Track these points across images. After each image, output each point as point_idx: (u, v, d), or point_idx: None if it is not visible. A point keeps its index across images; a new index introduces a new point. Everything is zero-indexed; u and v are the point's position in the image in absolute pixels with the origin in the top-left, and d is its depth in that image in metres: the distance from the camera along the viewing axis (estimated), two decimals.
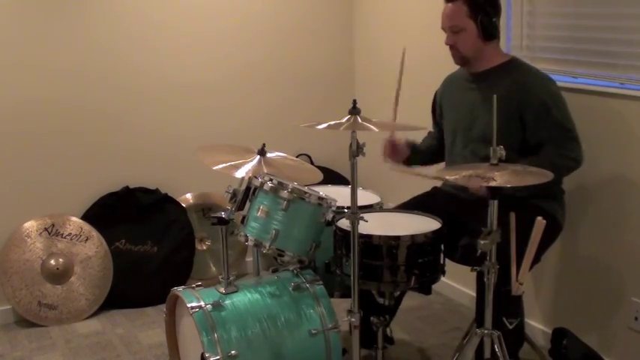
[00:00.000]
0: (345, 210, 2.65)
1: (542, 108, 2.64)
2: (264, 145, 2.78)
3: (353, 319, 2.37)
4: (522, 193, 2.51)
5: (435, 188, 2.99)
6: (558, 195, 2.79)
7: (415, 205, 2.83)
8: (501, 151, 2.25)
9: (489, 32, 2.71)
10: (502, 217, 2.27)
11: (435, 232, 2.54)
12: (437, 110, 3.05)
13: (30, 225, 3.60)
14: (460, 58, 2.78)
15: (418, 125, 2.53)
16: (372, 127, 2.32)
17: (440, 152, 3.01)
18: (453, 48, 2.77)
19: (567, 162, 2.66)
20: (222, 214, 2.55)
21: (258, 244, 2.55)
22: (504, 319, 2.54)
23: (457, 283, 3.62)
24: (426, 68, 3.66)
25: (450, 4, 2.73)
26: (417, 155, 3.02)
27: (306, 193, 2.55)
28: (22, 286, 3.53)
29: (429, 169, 2.99)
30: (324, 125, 2.34)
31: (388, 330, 2.75)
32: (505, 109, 2.65)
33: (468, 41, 2.72)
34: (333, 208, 2.61)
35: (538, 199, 2.67)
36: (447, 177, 2.32)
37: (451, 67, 2.93)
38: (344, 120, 2.34)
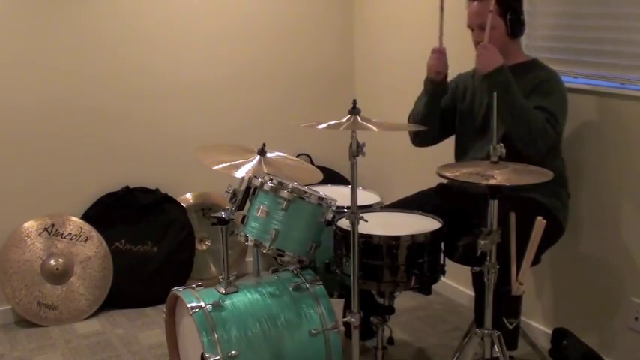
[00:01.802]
0: (345, 210, 2.65)
1: (549, 90, 2.67)
2: (264, 145, 2.78)
3: (353, 319, 2.37)
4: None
5: (441, 185, 2.98)
6: (561, 196, 2.79)
7: (420, 201, 2.83)
8: (502, 149, 2.25)
9: (517, 29, 2.74)
10: (504, 216, 2.27)
11: (435, 232, 2.55)
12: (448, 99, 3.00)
13: (30, 225, 3.60)
14: None
15: (418, 125, 2.52)
16: (372, 127, 2.32)
17: (435, 132, 2.96)
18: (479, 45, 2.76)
19: (546, 126, 2.60)
20: (222, 214, 2.55)
21: (258, 244, 2.55)
22: (504, 319, 2.55)
23: (457, 283, 3.61)
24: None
25: (476, 2, 2.73)
26: (440, 90, 2.93)
27: (306, 193, 2.55)
28: (22, 286, 3.53)
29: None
30: (324, 125, 2.34)
31: (388, 329, 2.75)
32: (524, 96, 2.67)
33: (497, 39, 2.72)
34: (333, 208, 2.61)
35: (542, 195, 2.67)
36: (448, 175, 2.32)
37: (452, 66, 2.92)
38: (344, 120, 2.34)
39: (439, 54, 2.87)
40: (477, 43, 2.77)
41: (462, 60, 2.92)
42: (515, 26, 2.73)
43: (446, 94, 2.96)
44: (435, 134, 2.98)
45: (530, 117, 2.56)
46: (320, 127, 2.34)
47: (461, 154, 2.96)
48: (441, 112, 2.96)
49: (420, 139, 3.03)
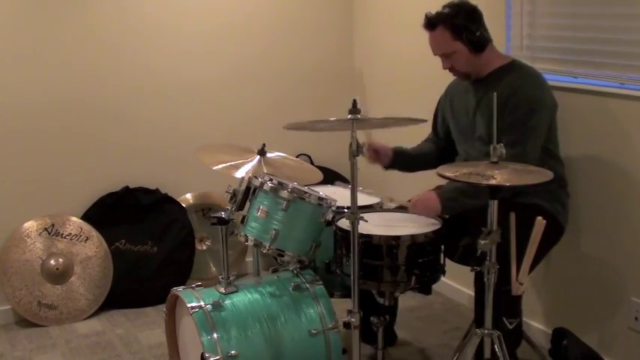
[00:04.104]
0: (345, 210, 2.65)
1: (519, 104, 2.60)
2: (264, 145, 2.78)
3: (353, 319, 2.37)
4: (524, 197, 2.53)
5: (439, 187, 2.98)
6: (561, 197, 2.78)
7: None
8: (502, 149, 2.25)
9: (479, 45, 2.70)
10: (503, 217, 2.26)
11: (435, 232, 2.55)
12: (438, 118, 3.05)
13: (30, 225, 3.60)
14: (462, 75, 2.80)
15: (418, 117, 2.52)
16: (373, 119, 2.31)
17: (437, 157, 2.99)
18: (452, 69, 2.78)
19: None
20: (222, 214, 2.55)
21: (258, 244, 2.55)
22: (504, 319, 2.54)
23: (457, 283, 3.61)
24: (427, 66, 3.66)
25: (432, 33, 2.72)
26: (401, 159, 3.00)
27: (306, 193, 2.55)
28: (22, 286, 3.53)
29: None
30: (327, 124, 2.33)
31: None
32: (498, 109, 2.65)
33: (463, 60, 2.72)
34: (333, 208, 2.61)
35: (540, 199, 2.67)
36: (447, 175, 2.32)
37: (439, 76, 2.93)
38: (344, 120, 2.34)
39: (372, 150, 2.89)
40: (449, 69, 2.78)
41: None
42: (475, 43, 2.69)
43: (412, 154, 3.02)
44: (440, 160, 2.98)
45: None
46: (326, 124, 2.33)
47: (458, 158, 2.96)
48: (439, 139, 3.03)
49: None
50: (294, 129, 2.42)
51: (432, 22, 2.71)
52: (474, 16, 2.70)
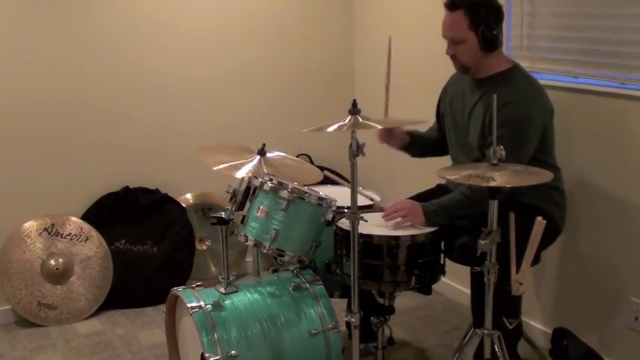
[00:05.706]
0: (345, 210, 2.65)
1: (505, 121, 2.47)
2: (264, 145, 2.78)
3: (353, 319, 2.37)
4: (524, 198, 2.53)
5: (439, 185, 2.98)
6: (557, 197, 2.76)
7: (419, 201, 2.83)
8: (501, 151, 2.25)
9: (491, 44, 2.64)
10: (501, 217, 2.26)
11: (434, 232, 2.55)
12: (441, 107, 3.02)
13: (30, 225, 3.60)
14: (461, 66, 2.74)
15: (418, 119, 2.51)
16: (374, 123, 2.31)
17: (442, 146, 2.98)
18: (453, 57, 2.72)
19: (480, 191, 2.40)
20: (222, 214, 2.55)
21: (258, 244, 2.55)
22: (504, 319, 2.55)
23: (457, 283, 3.61)
24: (427, 65, 3.66)
25: (450, 14, 2.65)
26: (417, 143, 3.00)
27: (306, 193, 2.55)
28: (22, 286, 3.53)
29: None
30: (330, 129, 2.32)
31: (388, 329, 2.76)
32: (488, 122, 2.64)
33: (469, 52, 2.65)
34: (333, 208, 2.61)
35: (535, 198, 2.66)
36: (448, 176, 2.32)
37: (444, 67, 2.92)
38: (345, 121, 2.33)
39: (386, 131, 2.92)
40: (450, 56, 2.72)
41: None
42: (487, 41, 2.62)
43: (425, 139, 3.04)
44: (440, 150, 3.04)
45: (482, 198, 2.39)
46: (329, 129, 2.32)
47: (450, 151, 2.97)
48: (441, 128, 3.00)
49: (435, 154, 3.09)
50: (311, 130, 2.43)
51: (454, 3, 2.63)
52: (497, 13, 2.65)
